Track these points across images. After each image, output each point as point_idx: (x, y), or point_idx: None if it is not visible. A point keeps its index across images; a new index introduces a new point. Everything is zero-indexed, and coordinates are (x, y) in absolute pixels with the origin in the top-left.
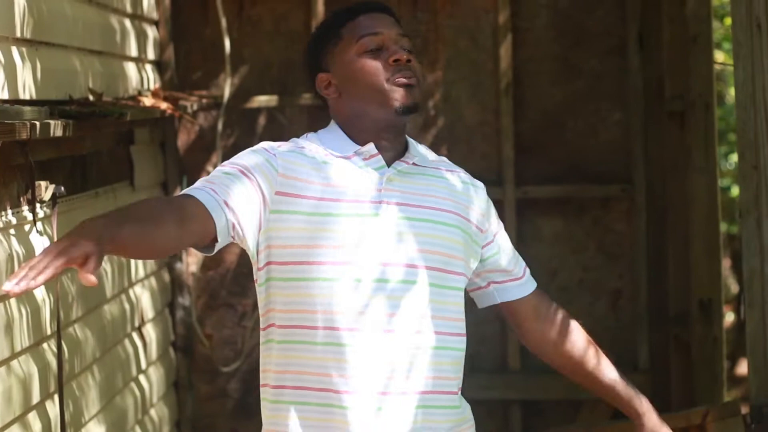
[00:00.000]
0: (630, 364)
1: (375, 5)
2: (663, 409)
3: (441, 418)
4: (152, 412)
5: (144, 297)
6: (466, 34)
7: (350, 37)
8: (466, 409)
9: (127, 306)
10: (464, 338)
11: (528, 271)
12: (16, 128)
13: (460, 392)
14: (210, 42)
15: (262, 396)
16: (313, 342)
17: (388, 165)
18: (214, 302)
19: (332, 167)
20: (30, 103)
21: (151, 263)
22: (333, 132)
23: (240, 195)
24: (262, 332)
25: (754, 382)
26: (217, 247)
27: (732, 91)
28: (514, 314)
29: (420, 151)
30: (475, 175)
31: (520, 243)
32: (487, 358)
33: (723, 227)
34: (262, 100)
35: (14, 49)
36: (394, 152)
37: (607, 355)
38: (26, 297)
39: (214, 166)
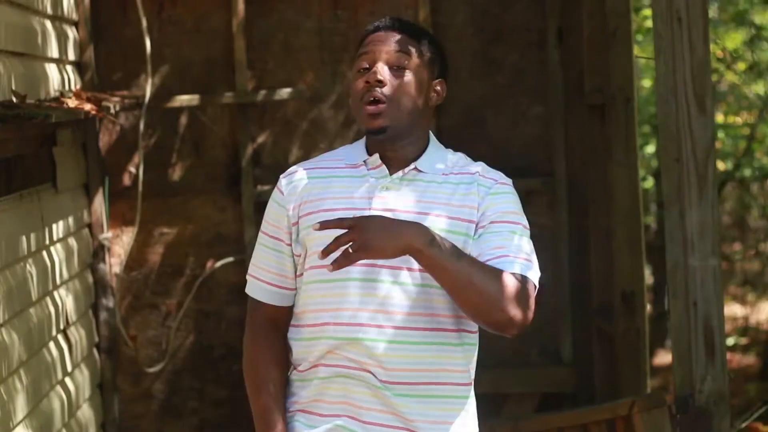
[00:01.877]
0: (554, 357)
1: (385, 23)
2: (587, 401)
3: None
4: (78, 414)
5: (68, 299)
6: None
7: (356, 56)
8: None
9: (51, 308)
10: (457, 333)
11: (512, 258)
12: None
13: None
14: (130, 42)
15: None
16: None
17: (392, 173)
18: (138, 303)
19: (337, 179)
20: None
21: (73, 264)
22: (359, 142)
23: (290, 265)
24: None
25: (678, 373)
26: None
27: (645, 84)
28: None
29: (434, 159)
30: None
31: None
32: None
33: None
34: (183, 100)
35: None
36: (404, 161)
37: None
38: None
39: (136, 167)
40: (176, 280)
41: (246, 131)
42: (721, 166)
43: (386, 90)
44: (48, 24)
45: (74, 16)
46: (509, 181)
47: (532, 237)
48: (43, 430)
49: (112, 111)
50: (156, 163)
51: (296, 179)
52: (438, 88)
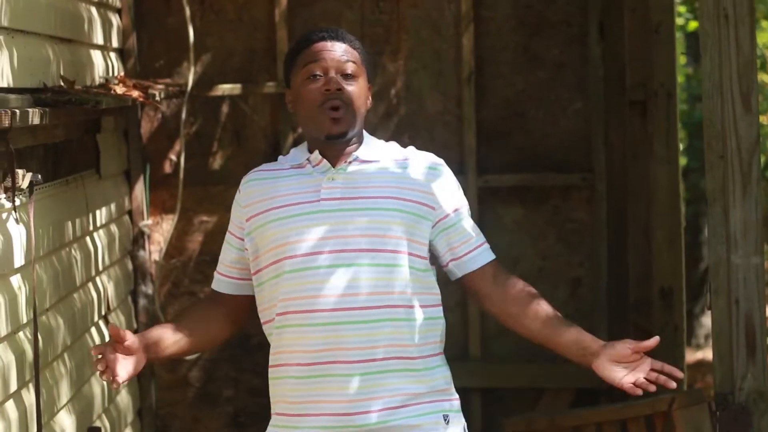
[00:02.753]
0: None
1: (329, 33)
2: (623, 398)
3: (396, 381)
4: (117, 400)
5: (110, 285)
6: (429, 24)
7: (301, 62)
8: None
9: (94, 294)
10: (412, 309)
11: (486, 245)
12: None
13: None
14: (173, 30)
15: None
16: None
17: (335, 166)
18: (177, 290)
19: (286, 179)
20: (7, 90)
21: (114, 250)
22: (303, 144)
23: (234, 255)
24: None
25: (719, 370)
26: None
27: (679, 80)
28: (473, 283)
29: (372, 149)
30: None
31: (481, 231)
32: (448, 346)
33: None
34: (225, 89)
35: None
36: (344, 156)
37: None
38: (3, 285)
39: (177, 155)
40: (215, 268)
41: (287, 121)
42: None
43: (345, 97)
44: (93, 10)
45: (117, 3)
46: (442, 161)
47: (571, 232)
48: (84, 414)
49: (157, 98)
50: (197, 151)
51: (250, 180)
52: (369, 93)
